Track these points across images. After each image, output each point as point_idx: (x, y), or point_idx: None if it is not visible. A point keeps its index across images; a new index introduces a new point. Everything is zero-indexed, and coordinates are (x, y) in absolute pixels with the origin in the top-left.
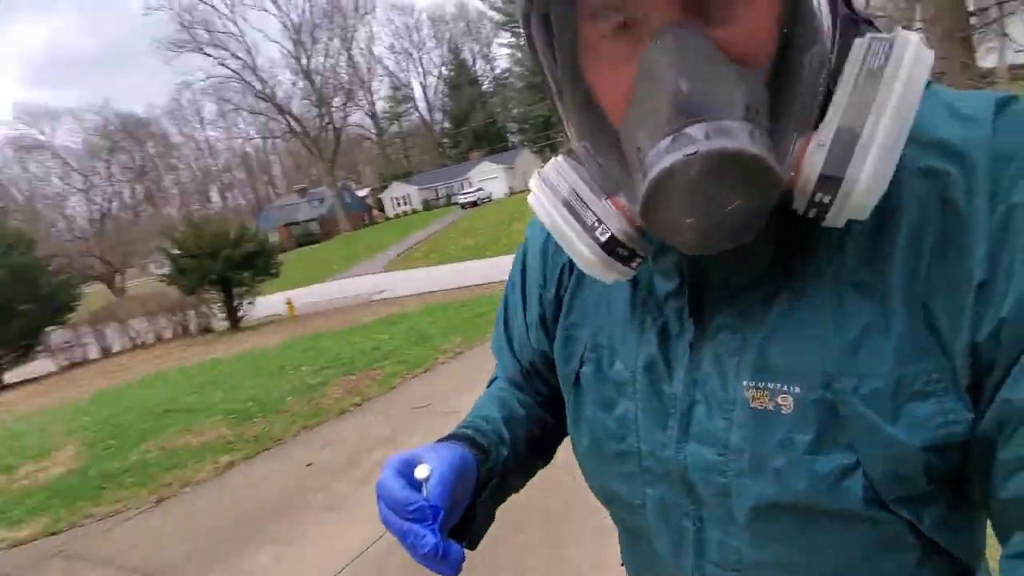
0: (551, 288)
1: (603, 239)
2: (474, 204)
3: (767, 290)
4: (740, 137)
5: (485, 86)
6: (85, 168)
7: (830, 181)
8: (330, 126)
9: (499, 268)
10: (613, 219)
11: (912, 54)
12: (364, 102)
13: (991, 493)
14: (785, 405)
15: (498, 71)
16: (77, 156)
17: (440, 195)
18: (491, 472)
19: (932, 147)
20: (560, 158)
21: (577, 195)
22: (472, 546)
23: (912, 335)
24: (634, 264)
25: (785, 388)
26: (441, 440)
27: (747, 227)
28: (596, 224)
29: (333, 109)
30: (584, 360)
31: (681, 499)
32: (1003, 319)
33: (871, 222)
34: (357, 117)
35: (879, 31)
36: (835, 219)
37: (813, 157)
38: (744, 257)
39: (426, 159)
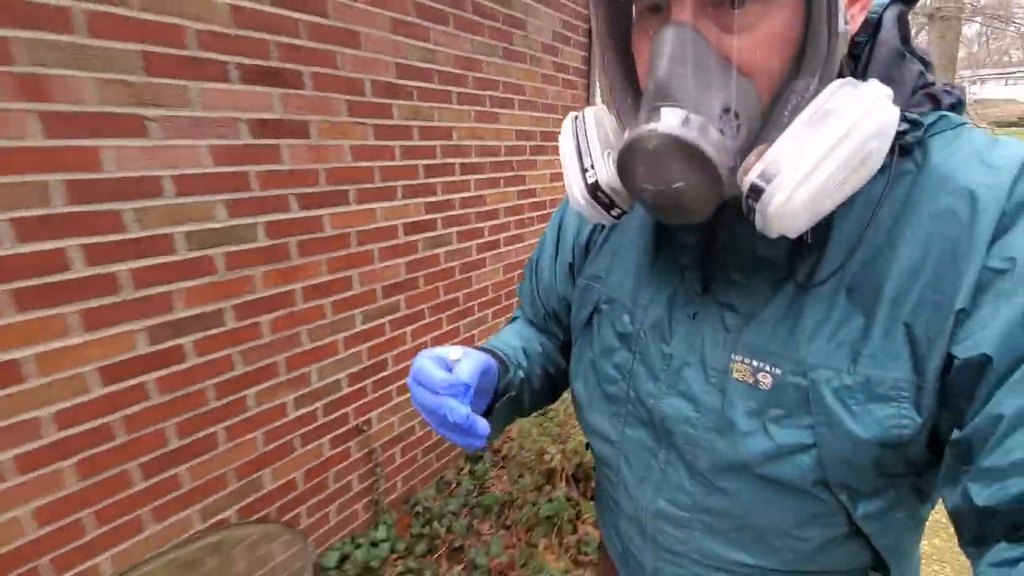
0: (583, 238)
1: (589, 182)
2: None
3: (775, 279)
4: (692, 128)
5: None
6: None
7: (755, 191)
8: None
9: None
10: (603, 169)
11: (865, 107)
12: None
13: (965, 502)
14: (764, 382)
15: None
16: None
17: None
18: (508, 386)
19: (953, 191)
20: (595, 108)
21: (587, 141)
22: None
23: (889, 346)
24: (614, 212)
25: (767, 368)
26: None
27: (694, 207)
28: (589, 169)
29: None
30: (597, 309)
31: (653, 442)
32: (984, 352)
33: (880, 240)
34: None
35: (927, 66)
36: (763, 226)
37: (755, 166)
38: (762, 245)
39: None
